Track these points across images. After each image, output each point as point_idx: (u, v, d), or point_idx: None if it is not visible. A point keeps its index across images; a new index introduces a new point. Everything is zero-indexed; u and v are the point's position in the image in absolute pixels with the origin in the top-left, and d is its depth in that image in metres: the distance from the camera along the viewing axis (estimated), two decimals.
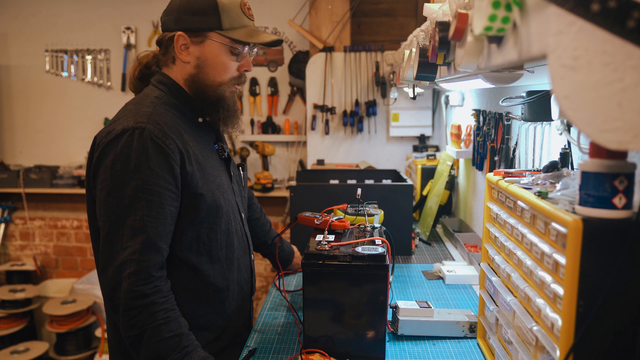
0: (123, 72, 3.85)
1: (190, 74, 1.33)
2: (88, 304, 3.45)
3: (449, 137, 2.70)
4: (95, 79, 3.90)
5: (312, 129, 3.34)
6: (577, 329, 0.75)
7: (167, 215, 1.21)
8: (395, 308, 1.40)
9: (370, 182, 2.23)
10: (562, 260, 0.78)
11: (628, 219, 0.73)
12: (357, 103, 3.27)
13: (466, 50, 0.84)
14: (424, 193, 2.63)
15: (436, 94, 3.27)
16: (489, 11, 0.67)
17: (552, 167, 1.10)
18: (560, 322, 0.78)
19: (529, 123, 1.53)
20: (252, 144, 3.72)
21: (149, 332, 1.16)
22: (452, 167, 2.48)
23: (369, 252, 1.22)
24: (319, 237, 1.32)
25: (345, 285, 1.22)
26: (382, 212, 1.67)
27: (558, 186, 0.92)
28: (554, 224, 0.83)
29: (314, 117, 3.32)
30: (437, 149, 3.08)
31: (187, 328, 1.21)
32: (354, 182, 2.25)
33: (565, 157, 1.28)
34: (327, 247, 1.26)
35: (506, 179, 1.12)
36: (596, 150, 0.75)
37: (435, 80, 1.34)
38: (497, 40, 0.74)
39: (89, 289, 3.58)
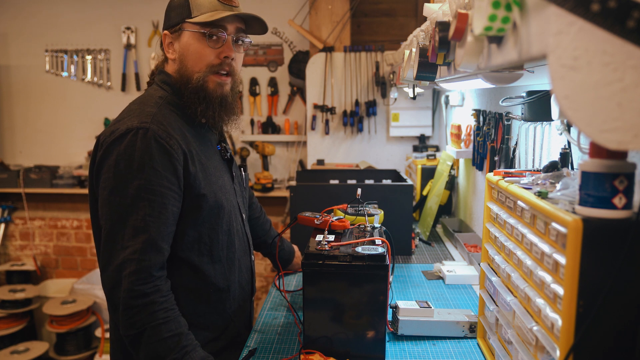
0: (123, 72, 3.85)
1: (176, 69, 1.35)
2: (88, 304, 3.45)
3: (449, 137, 2.70)
4: (95, 79, 3.90)
5: (312, 129, 3.34)
6: (577, 329, 0.75)
7: (169, 215, 1.21)
8: (395, 308, 1.40)
9: (370, 182, 2.23)
10: (562, 260, 0.78)
11: (628, 219, 0.73)
12: (357, 103, 3.27)
13: (466, 50, 0.84)
14: (424, 193, 2.63)
15: (436, 94, 3.27)
16: (489, 11, 0.67)
17: (552, 167, 1.10)
18: (560, 322, 0.78)
19: (529, 123, 1.53)
20: (252, 144, 3.72)
21: (149, 332, 1.16)
22: (452, 167, 2.48)
23: (369, 252, 1.22)
24: (319, 237, 1.32)
25: (345, 285, 1.22)
26: (382, 212, 1.67)
27: (558, 186, 0.92)
28: (554, 224, 0.83)
29: (314, 117, 3.32)
30: (437, 149, 3.08)
31: (186, 328, 1.21)
32: (354, 182, 2.25)
33: (565, 157, 1.28)
34: (327, 247, 1.26)
35: (506, 179, 1.12)
36: (596, 150, 0.75)
37: (435, 80, 1.34)
38: (497, 40, 0.74)
39: (89, 289, 3.58)
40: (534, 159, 1.55)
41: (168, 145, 1.21)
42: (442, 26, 0.96)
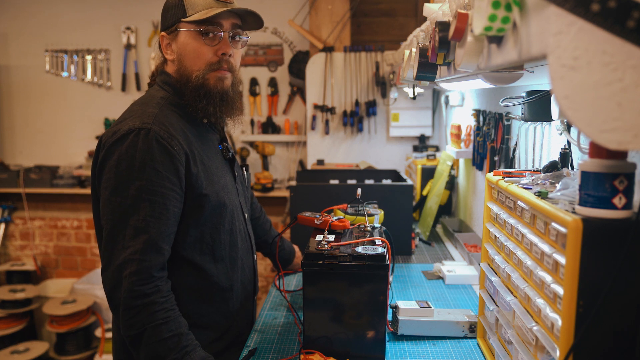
0: (123, 72, 3.85)
1: (175, 69, 1.35)
2: (88, 304, 3.45)
3: (449, 137, 2.70)
4: (95, 79, 3.90)
5: (312, 129, 3.34)
6: (577, 329, 0.75)
7: (170, 216, 1.21)
8: (395, 308, 1.40)
9: (370, 182, 2.23)
10: (562, 260, 0.78)
11: (628, 219, 0.73)
12: (357, 103, 3.27)
13: (466, 50, 0.84)
14: (424, 193, 2.63)
15: (436, 94, 3.27)
16: (489, 11, 0.67)
17: (552, 167, 1.10)
18: (560, 322, 0.78)
19: (529, 123, 1.53)
20: (252, 144, 3.72)
21: (149, 332, 1.16)
22: (452, 167, 2.48)
23: (369, 252, 1.22)
24: (319, 237, 1.32)
25: (345, 285, 1.22)
26: (382, 212, 1.67)
27: (558, 186, 0.92)
28: (554, 224, 0.83)
29: (314, 117, 3.32)
30: (437, 149, 3.08)
31: (186, 328, 1.21)
32: (354, 182, 2.25)
33: (565, 157, 1.28)
34: (327, 247, 1.26)
35: (506, 179, 1.12)
36: (596, 150, 0.75)
37: (435, 80, 1.34)
38: (497, 40, 0.74)
39: (89, 289, 3.58)
40: (534, 159, 1.55)
41: (170, 146, 1.21)
42: (442, 26, 0.96)
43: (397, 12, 3.56)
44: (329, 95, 3.30)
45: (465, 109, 2.51)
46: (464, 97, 2.55)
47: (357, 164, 3.07)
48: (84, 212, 3.99)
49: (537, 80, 1.41)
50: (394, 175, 2.40)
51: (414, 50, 1.41)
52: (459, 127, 2.39)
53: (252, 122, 3.75)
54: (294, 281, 1.84)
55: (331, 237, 1.35)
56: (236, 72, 1.37)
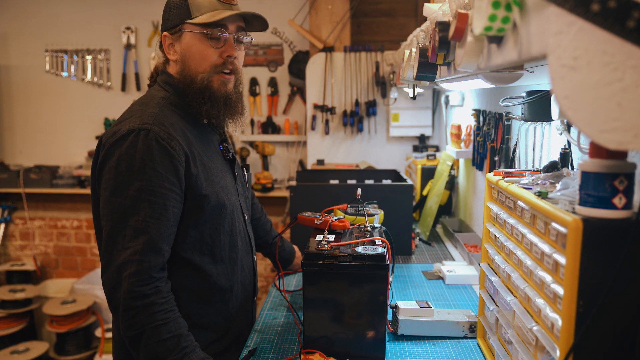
0: (123, 72, 3.85)
1: (179, 70, 1.34)
2: (88, 304, 3.45)
3: (449, 137, 2.70)
4: (95, 79, 3.90)
5: (312, 129, 3.34)
6: (577, 329, 0.75)
7: (169, 216, 1.21)
8: (395, 308, 1.40)
9: (370, 182, 2.23)
10: (562, 260, 0.78)
11: (628, 219, 0.73)
12: (357, 103, 3.27)
13: (466, 50, 0.84)
14: (424, 193, 2.63)
15: (436, 94, 3.27)
16: (489, 11, 0.67)
17: (552, 167, 1.10)
18: (560, 322, 0.78)
19: (529, 123, 1.53)
20: (252, 144, 3.73)
21: (148, 333, 1.16)
22: (452, 167, 2.48)
23: (369, 252, 1.22)
24: (319, 237, 1.32)
25: (345, 285, 1.22)
26: (382, 212, 1.67)
27: (558, 186, 0.92)
28: (554, 224, 0.83)
29: (314, 117, 3.32)
30: (437, 149, 3.08)
31: (186, 329, 1.21)
32: (354, 182, 2.25)
33: (565, 157, 1.28)
34: (327, 247, 1.26)
35: (506, 179, 1.12)
36: (596, 150, 0.75)
37: (435, 80, 1.34)
38: (497, 40, 0.74)
39: (89, 289, 3.58)
40: (534, 159, 1.55)
41: (169, 146, 1.21)
42: (442, 26, 0.96)
43: (397, 12, 3.56)
44: (329, 95, 3.30)
45: (465, 109, 2.51)
46: (464, 97, 2.55)
47: (357, 164, 3.07)
48: (84, 212, 3.99)
49: (537, 80, 1.41)
50: (394, 175, 2.40)
51: (414, 50, 1.41)
52: (459, 127, 2.39)
53: (252, 122, 3.75)
54: (294, 281, 1.84)
55: (331, 237, 1.35)
56: (239, 74, 1.38)
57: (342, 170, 2.49)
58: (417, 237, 2.34)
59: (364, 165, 2.98)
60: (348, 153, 3.35)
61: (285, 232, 1.98)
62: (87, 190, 3.73)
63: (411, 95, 2.11)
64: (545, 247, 0.86)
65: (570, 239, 0.75)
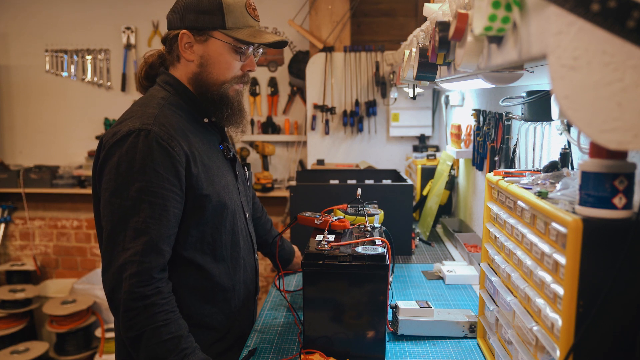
0: (123, 72, 3.85)
1: (194, 72, 1.33)
2: (88, 304, 3.45)
3: (449, 137, 2.70)
4: (95, 79, 3.90)
5: (312, 129, 3.34)
6: (577, 329, 0.75)
7: (170, 217, 1.21)
8: (395, 308, 1.40)
9: (370, 182, 2.23)
10: (562, 260, 0.78)
11: (628, 219, 0.73)
12: (357, 103, 3.27)
13: (466, 50, 0.84)
14: (424, 193, 2.63)
15: (436, 94, 3.27)
16: (489, 11, 0.67)
17: (552, 167, 1.10)
18: (560, 322, 0.78)
19: (529, 123, 1.53)
20: (252, 144, 3.73)
21: (148, 334, 1.16)
22: (452, 167, 2.48)
23: (369, 252, 1.22)
24: (319, 237, 1.32)
25: (345, 285, 1.22)
26: (382, 212, 1.67)
27: (558, 186, 0.92)
28: (554, 224, 0.83)
29: (314, 117, 3.32)
30: (437, 149, 3.08)
31: (186, 330, 1.21)
32: (354, 182, 2.25)
33: (565, 157, 1.28)
34: (327, 247, 1.26)
35: (506, 179, 1.12)
36: (596, 150, 0.75)
37: (435, 80, 1.34)
38: (497, 40, 0.74)
39: (89, 289, 3.58)
40: (534, 159, 1.55)
41: (170, 147, 1.20)
42: (442, 26, 0.96)
43: (397, 12, 3.56)
44: (329, 95, 3.30)
45: (465, 109, 2.51)
46: (464, 97, 2.55)
47: (357, 164, 3.07)
48: (84, 212, 3.99)
49: (537, 80, 1.41)
50: (394, 175, 2.40)
51: (414, 50, 1.41)
52: (459, 127, 2.39)
53: (252, 122, 3.76)
54: (294, 281, 1.84)
55: (331, 237, 1.35)
56: (249, 83, 1.44)
57: (342, 170, 2.49)
58: (417, 237, 2.34)
59: (364, 165, 2.98)
60: (348, 153, 3.35)
61: (285, 232, 1.98)
62: (87, 190, 3.73)
63: (411, 95, 2.11)
64: (545, 247, 0.86)
65: (570, 239, 0.75)
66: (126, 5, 3.80)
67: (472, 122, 2.22)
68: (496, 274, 1.18)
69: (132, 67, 3.84)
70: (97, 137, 3.89)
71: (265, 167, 3.66)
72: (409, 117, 3.27)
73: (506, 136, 1.78)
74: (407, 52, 1.63)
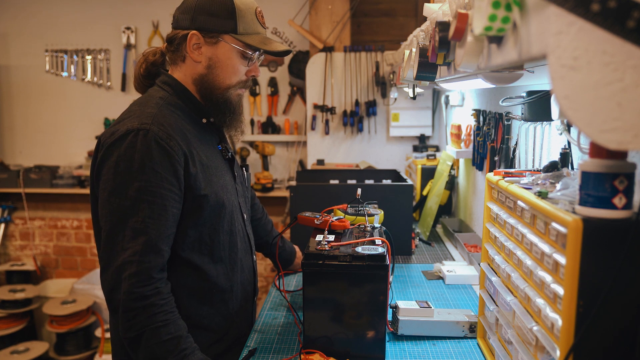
0: (123, 72, 3.85)
1: (200, 74, 1.34)
2: (88, 304, 3.45)
3: (449, 137, 2.70)
4: (95, 79, 3.90)
5: (312, 129, 3.34)
6: (577, 329, 0.75)
7: (169, 217, 1.21)
8: (395, 308, 1.40)
9: (370, 182, 2.23)
10: (562, 260, 0.78)
11: (628, 219, 0.73)
12: (357, 103, 3.27)
13: (466, 50, 0.84)
14: (424, 193, 2.63)
15: (436, 94, 3.27)
16: (489, 11, 0.67)
17: (552, 167, 1.10)
18: (560, 322, 0.78)
19: (529, 123, 1.53)
20: (252, 144, 3.73)
21: (148, 334, 1.16)
22: (452, 167, 2.48)
23: (369, 252, 1.22)
24: (319, 237, 1.32)
25: (345, 285, 1.22)
26: (382, 212, 1.67)
27: (558, 186, 0.92)
28: (554, 224, 0.83)
29: (314, 117, 3.32)
30: (437, 149, 3.08)
31: (185, 330, 1.21)
32: (354, 182, 2.25)
33: (565, 157, 1.28)
34: (327, 247, 1.26)
35: (506, 179, 1.12)
36: (596, 150, 0.75)
37: (435, 80, 1.34)
38: (497, 40, 0.74)
39: (89, 289, 3.58)
40: (534, 159, 1.55)
41: (168, 146, 1.20)
42: (442, 26, 0.96)
43: (397, 12, 3.56)
44: (329, 95, 3.30)
45: (465, 109, 2.51)
46: (464, 97, 2.55)
47: (357, 164, 3.07)
48: (84, 212, 3.99)
49: (537, 80, 1.41)
50: (394, 175, 2.40)
51: (414, 50, 1.41)
52: (459, 127, 2.39)
53: (252, 122, 3.76)
54: (294, 281, 1.84)
55: (331, 237, 1.35)
56: (249, 87, 1.45)
57: (342, 170, 2.49)
58: (417, 237, 2.34)
59: (364, 165, 2.98)
60: (348, 153, 3.35)
61: (285, 232, 1.98)
62: (87, 190, 3.72)
63: (411, 95, 2.11)
64: (545, 247, 0.86)
65: (570, 239, 0.75)
66: (126, 5, 3.80)
67: (472, 122, 2.22)
68: (496, 274, 1.18)
69: (132, 67, 3.84)
70: (97, 137, 3.88)
71: (265, 167, 3.66)
72: (409, 117, 3.27)
73: (506, 136, 1.78)
74: (407, 52, 1.63)
